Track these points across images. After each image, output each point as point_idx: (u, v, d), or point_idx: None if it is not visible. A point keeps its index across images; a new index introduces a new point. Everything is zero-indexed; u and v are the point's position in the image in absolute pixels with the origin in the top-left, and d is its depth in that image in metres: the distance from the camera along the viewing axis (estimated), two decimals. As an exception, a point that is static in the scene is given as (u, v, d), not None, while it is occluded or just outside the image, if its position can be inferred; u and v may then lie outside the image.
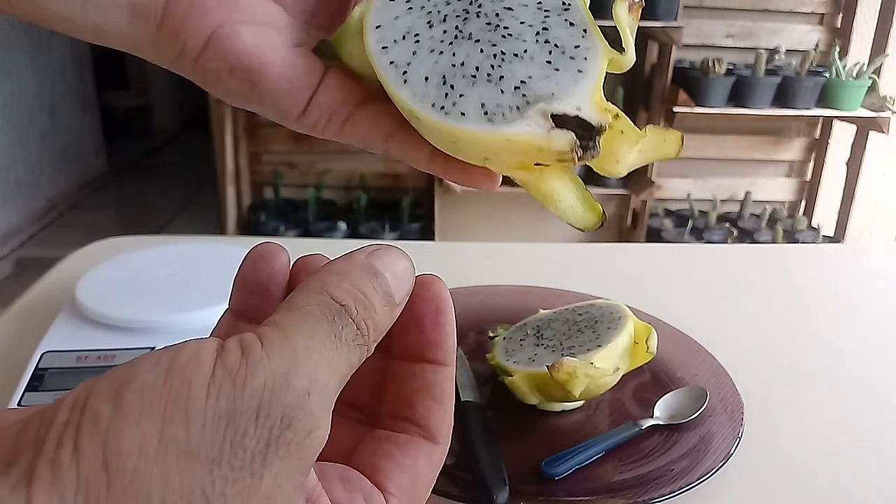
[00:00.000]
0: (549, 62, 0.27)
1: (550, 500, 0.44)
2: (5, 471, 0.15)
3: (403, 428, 0.22)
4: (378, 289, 0.20)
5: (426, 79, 0.26)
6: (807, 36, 2.55)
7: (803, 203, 2.81)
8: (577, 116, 0.26)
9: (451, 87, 0.26)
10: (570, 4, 0.29)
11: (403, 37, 0.27)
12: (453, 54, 0.27)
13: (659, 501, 0.43)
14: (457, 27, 0.28)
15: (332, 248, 0.81)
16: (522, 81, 0.26)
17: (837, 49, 2.37)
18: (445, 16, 0.28)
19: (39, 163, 3.07)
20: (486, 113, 0.26)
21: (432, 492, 0.24)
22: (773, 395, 0.57)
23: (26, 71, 2.96)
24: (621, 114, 0.27)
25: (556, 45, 0.28)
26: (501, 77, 0.27)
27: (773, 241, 2.46)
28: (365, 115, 0.28)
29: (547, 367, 0.48)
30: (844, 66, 2.31)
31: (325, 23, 0.30)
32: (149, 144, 4.28)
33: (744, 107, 2.34)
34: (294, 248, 0.27)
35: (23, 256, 2.81)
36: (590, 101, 0.26)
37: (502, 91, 0.26)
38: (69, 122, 3.32)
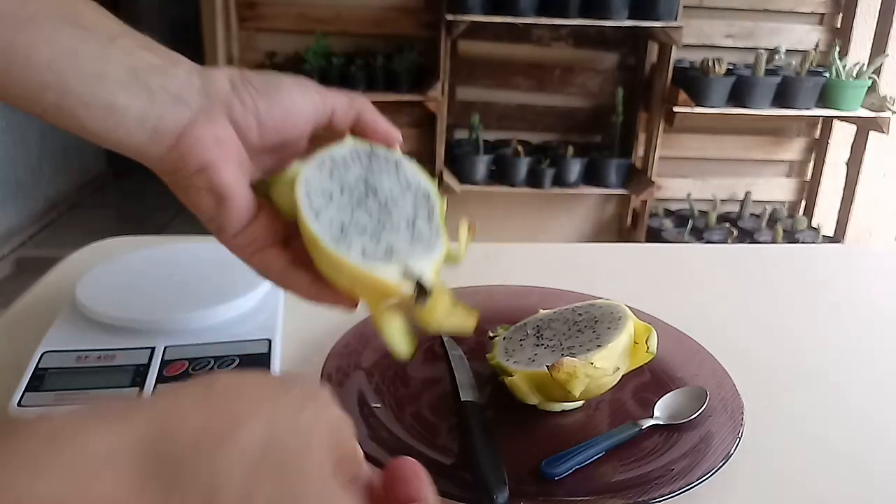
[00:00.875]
0: (411, 239, 0.41)
1: (550, 500, 0.44)
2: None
3: None
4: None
5: (331, 221, 0.39)
6: (807, 36, 2.55)
7: (803, 203, 2.81)
8: (419, 277, 0.39)
9: (346, 232, 0.39)
10: (432, 213, 0.42)
11: (321, 193, 0.40)
12: (352, 214, 0.40)
13: (659, 501, 0.43)
14: (359, 200, 0.41)
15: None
16: (392, 245, 0.40)
17: (837, 49, 2.37)
18: (353, 189, 0.41)
19: (39, 163, 3.07)
20: (364, 255, 0.38)
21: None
22: (773, 395, 0.57)
23: (26, 71, 2.95)
24: (446, 287, 0.40)
25: (418, 232, 0.41)
26: (379, 239, 0.40)
27: (773, 241, 2.46)
28: (270, 253, 0.40)
29: (547, 367, 0.48)
30: (844, 66, 2.31)
31: (269, 171, 0.41)
32: (149, 144, 4.27)
33: (744, 107, 2.34)
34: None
35: (23, 256, 2.81)
36: (430, 271, 0.40)
37: (376, 246, 0.39)
38: (69, 122, 3.32)
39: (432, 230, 0.41)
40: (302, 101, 0.40)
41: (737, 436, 0.49)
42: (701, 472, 0.45)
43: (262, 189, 0.41)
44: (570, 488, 0.45)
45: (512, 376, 0.52)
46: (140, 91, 0.35)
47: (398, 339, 0.40)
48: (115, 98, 0.34)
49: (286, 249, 0.40)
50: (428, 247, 0.40)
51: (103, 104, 0.34)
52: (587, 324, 0.54)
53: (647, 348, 0.51)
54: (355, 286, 0.39)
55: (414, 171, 0.44)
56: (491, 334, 0.59)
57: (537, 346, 0.54)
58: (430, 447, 0.49)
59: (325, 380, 0.54)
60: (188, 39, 1.69)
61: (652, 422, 0.51)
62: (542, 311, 0.60)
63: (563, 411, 0.54)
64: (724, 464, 0.46)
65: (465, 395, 0.53)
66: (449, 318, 0.41)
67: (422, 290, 0.39)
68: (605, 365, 0.49)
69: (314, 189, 0.40)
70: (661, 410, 0.52)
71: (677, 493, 0.44)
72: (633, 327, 0.52)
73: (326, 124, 0.42)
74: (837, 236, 2.61)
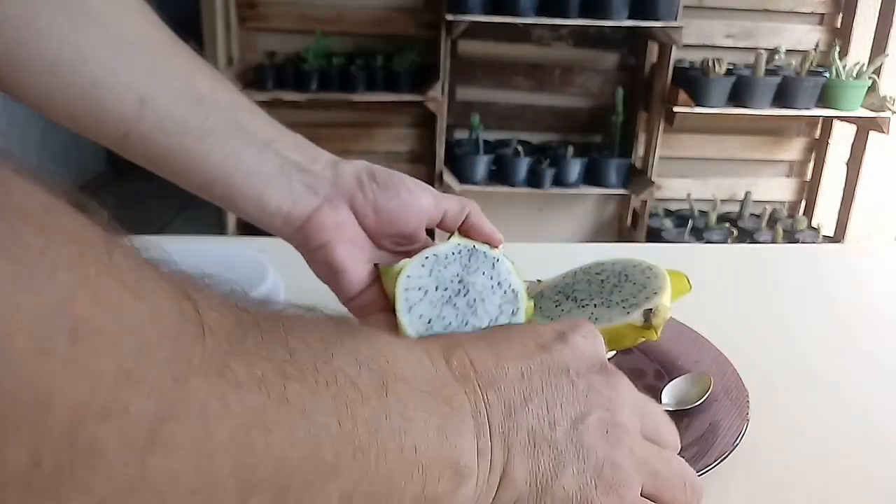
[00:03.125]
0: None
1: None
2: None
3: None
4: None
5: (421, 315, 0.45)
6: (807, 36, 2.56)
7: (803, 203, 2.81)
8: None
9: (431, 327, 0.45)
10: (516, 313, 0.47)
11: (418, 289, 0.46)
12: (441, 310, 0.46)
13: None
14: (450, 297, 0.47)
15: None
16: None
17: (837, 49, 2.37)
18: (447, 286, 0.47)
19: (40, 163, 3.07)
20: None
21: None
22: (773, 395, 0.57)
23: (26, 71, 2.95)
24: None
25: None
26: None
27: (773, 241, 2.47)
28: (379, 316, 0.45)
29: (647, 311, 0.51)
30: (844, 66, 2.32)
31: (391, 256, 0.48)
32: (149, 144, 4.26)
33: (744, 107, 2.34)
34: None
35: (23, 256, 2.80)
36: None
37: None
38: (69, 122, 3.32)
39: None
40: (417, 200, 0.47)
41: (745, 418, 0.50)
42: (717, 453, 0.46)
43: (380, 272, 0.49)
44: None
45: None
46: (282, 184, 0.44)
47: None
48: (264, 191, 0.44)
49: (392, 315, 0.47)
50: None
51: (255, 195, 0.44)
52: (617, 279, 0.56)
53: (688, 280, 0.55)
54: None
55: (508, 270, 0.50)
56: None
57: (582, 306, 0.56)
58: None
59: None
60: (188, 39, 1.69)
61: (662, 407, 0.52)
62: (539, 280, 0.61)
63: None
64: (737, 444, 0.47)
65: None
66: None
67: None
68: (668, 302, 0.53)
69: (413, 284, 0.47)
70: (669, 397, 0.53)
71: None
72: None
73: (439, 223, 0.49)
74: (837, 236, 2.61)
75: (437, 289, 0.47)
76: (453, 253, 0.50)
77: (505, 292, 0.49)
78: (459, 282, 0.48)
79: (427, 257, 0.49)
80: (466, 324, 0.46)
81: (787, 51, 2.46)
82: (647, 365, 0.59)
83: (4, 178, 0.17)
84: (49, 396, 0.15)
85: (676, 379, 0.55)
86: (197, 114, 0.42)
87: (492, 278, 0.49)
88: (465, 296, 0.48)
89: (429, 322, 0.46)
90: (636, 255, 0.62)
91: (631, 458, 0.30)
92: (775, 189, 2.78)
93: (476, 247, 0.50)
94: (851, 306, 0.76)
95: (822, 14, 2.56)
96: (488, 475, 0.28)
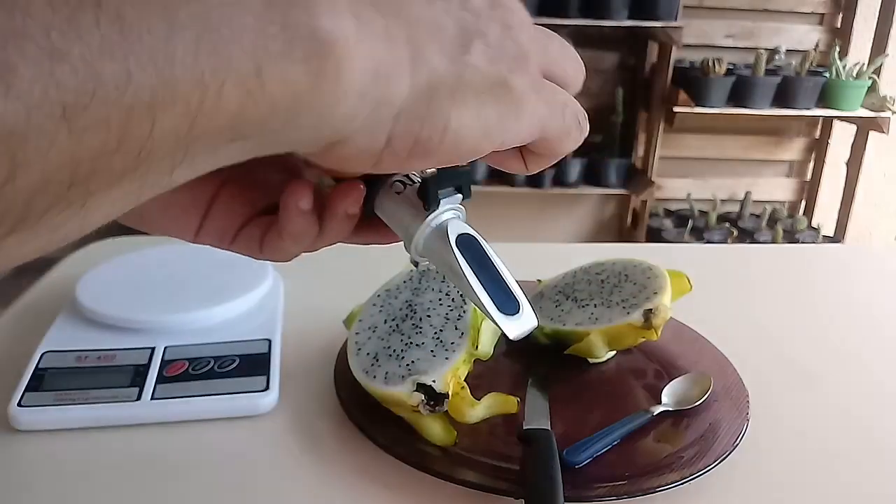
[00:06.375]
0: (432, 352, 0.48)
1: (573, 485, 0.44)
2: None
3: None
4: None
5: (368, 353, 0.49)
6: (807, 36, 2.55)
7: (803, 203, 2.81)
8: (431, 386, 0.45)
9: (378, 359, 0.48)
10: (463, 314, 0.50)
11: (368, 328, 0.51)
12: (388, 339, 0.49)
13: (674, 485, 0.44)
14: (398, 324, 0.50)
15: (331, 248, 0.80)
16: (412, 361, 0.47)
17: (837, 49, 2.37)
18: (395, 316, 0.51)
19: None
20: (385, 379, 0.47)
21: None
22: (772, 395, 0.57)
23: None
24: (466, 386, 0.47)
25: (441, 341, 0.49)
26: (404, 358, 0.48)
27: (773, 241, 2.47)
28: (244, 234, 0.34)
29: (647, 311, 0.53)
30: (844, 66, 2.31)
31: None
32: (149, 144, 4.26)
33: (744, 107, 2.34)
34: (294, 248, 0.27)
35: (23, 256, 2.80)
36: (442, 378, 0.46)
37: (399, 366, 0.47)
38: (69, 122, 3.32)
39: (456, 336, 0.49)
40: None
41: (745, 418, 0.50)
42: (715, 455, 0.46)
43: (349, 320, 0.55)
44: (592, 475, 0.45)
45: (577, 341, 0.56)
46: None
47: (434, 433, 0.47)
48: None
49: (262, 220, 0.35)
50: (446, 354, 0.47)
51: None
52: (617, 279, 0.58)
53: (688, 280, 0.58)
54: (382, 401, 0.47)
55: None
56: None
57: (583, 306, 0.57)
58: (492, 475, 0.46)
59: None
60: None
61: (661, 408, 0.52)
62: (539, 280, 0.64)
63: (574, 398, 0.54)
64: (737, 443, 0.47)
65: (530, 422, 0.50)
66: (476, 411, 0.46)
67: (435, 396, 0.45)
68: (668, 303, 0.54)
69: (363, 326, 0.51)
70: (669, 397, 0.53)
71: (689, 479, 0.44)
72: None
73: None
74: (837, 236, 2.61)
75: (385, 322, 0.51)
76: (405, 282, 0.54)
77: (453, 299, 0.51)
78: (408, 307, 0.51)
79: (379, 295, 0.53)
80: (412, 345, 0.48)
81: (787, 51, 2.46)
82: (647, 365, 0.59)
83: None
84: None
85: (676, 379, 0.55)
86: None
87: (440, 290, 0.52)
88: (410, 319, 0.50)
89: (375, 358, 0.48)
90: (636, 255, 0.62)
91: (525, 33, 0.26)
92: (775, 189, 2.78)
93: (430, 268, 0.52)
94: (851, 306, 0.76)
95: (822, 14, 2.56)
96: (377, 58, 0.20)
